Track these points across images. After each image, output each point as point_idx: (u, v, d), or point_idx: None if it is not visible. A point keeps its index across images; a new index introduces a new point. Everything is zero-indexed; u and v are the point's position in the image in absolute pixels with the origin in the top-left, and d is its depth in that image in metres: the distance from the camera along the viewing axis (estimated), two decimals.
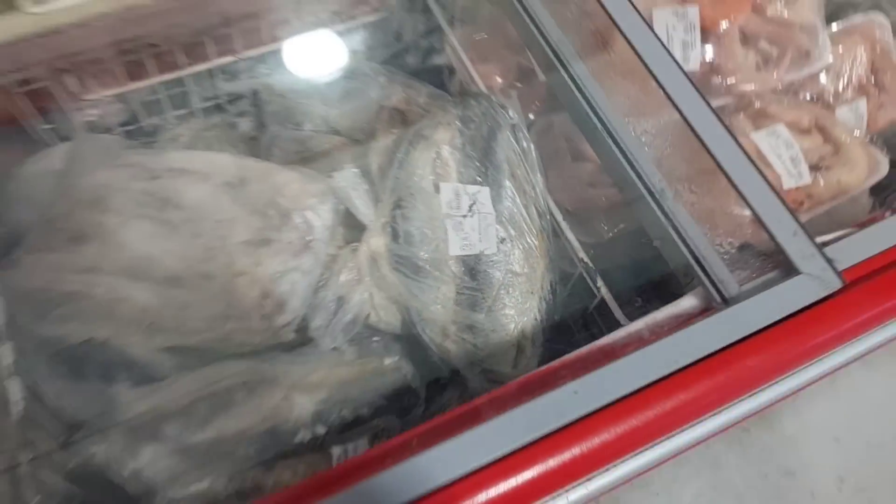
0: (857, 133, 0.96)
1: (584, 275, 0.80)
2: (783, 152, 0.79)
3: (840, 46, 0.97)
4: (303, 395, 0.67)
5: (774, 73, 0.86)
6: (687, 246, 0.68)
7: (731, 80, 0.85)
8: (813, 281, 0.63)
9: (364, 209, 0.77)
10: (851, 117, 0.99)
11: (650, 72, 0.77)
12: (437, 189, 0.75)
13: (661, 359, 0.58)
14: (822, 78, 0.97)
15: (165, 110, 1.01)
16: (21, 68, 0.82)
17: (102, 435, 0.59)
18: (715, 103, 0.82)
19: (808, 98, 0.96)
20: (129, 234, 0.72)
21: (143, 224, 0.73)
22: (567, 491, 0.57)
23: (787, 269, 0.64)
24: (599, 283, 0.78)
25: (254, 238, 0.71)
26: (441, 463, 0.54)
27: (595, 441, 0.56)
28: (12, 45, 0.78)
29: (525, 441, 0.55)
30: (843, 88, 0.98)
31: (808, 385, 0.62)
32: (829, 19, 1.03)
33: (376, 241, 0.77)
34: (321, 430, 0.66)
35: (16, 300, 0.71)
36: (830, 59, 0.90)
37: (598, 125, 0.78)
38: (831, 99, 0.98)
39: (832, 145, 0.85)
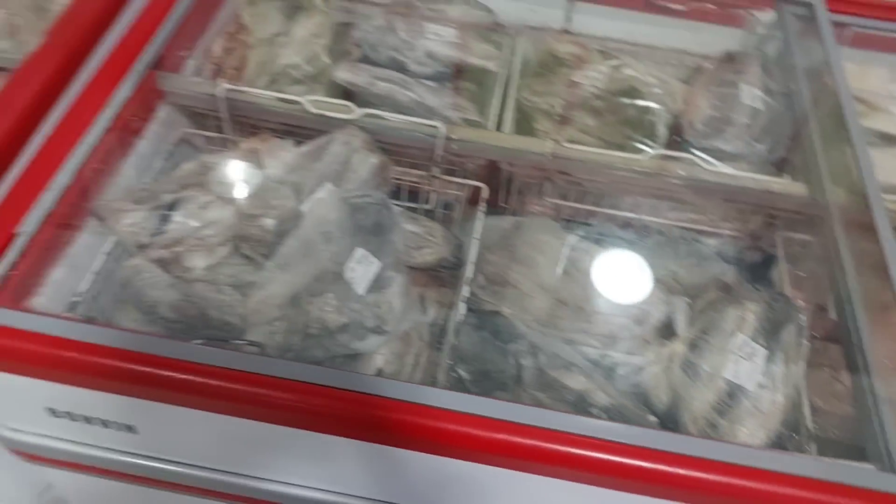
0: None
1: (805, 438, 1.12)
2: None
3: None
4: (600, 392, 1.09)
5: None
6: (884, 435, 0.99)
7: None
8: None
9: (682, 325, 1.20)
10: None
11: None
12: (733, 334, 1.16)
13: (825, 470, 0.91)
14: None
15: (572, 228, 1.56)
16: (524, 168, 1.42)
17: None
18: None
19: None
20: (546, 269, 1.24)
21: (555, 268, 1.24)
22: None
23: None
24: (812, 446, 1.10)
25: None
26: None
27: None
28: (533, 155, 1.38)
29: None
30: None
31: None
32: None
33: (679, 347, 1.18)
34: (597, 412, 1.07)
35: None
36: None
37: (860, 358, 1.13)
38: None
39: None
